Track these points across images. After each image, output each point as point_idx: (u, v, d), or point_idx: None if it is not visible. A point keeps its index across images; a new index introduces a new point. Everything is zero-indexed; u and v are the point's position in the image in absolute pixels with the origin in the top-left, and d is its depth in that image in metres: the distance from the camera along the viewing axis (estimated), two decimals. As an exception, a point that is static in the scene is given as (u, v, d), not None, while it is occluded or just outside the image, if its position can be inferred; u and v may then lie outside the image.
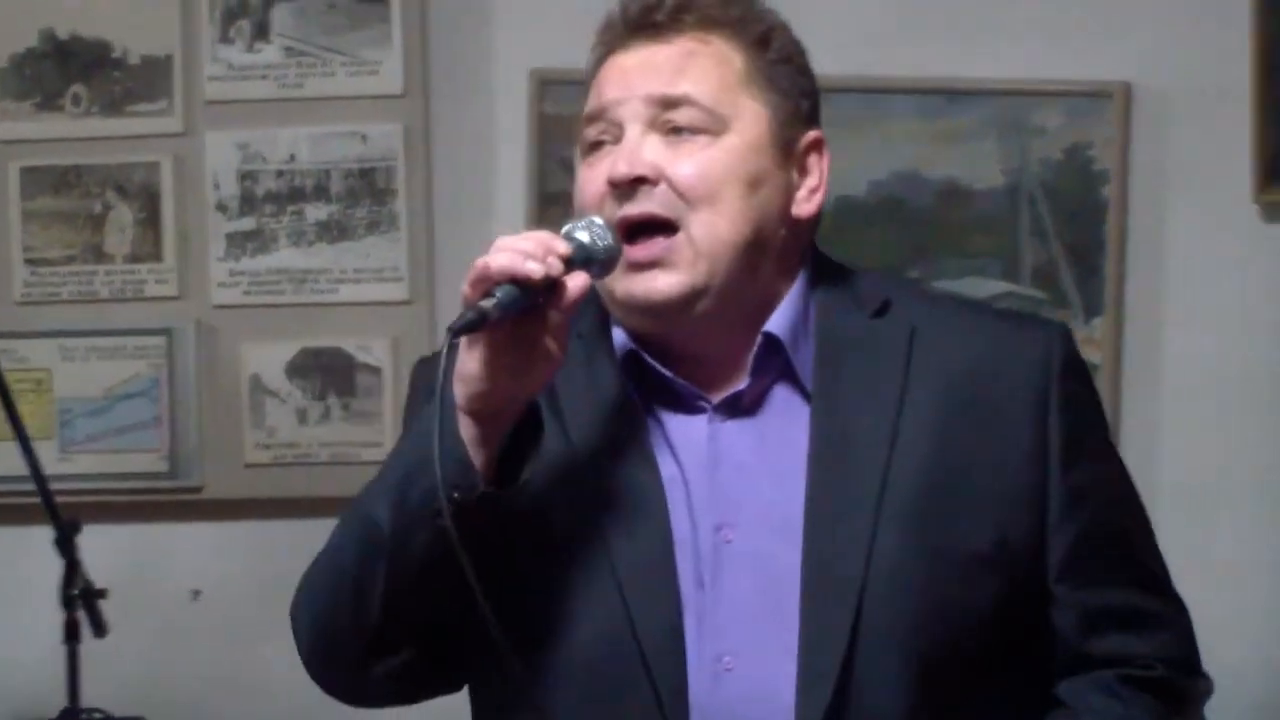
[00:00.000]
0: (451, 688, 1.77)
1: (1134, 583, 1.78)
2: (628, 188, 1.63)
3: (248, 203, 3.02)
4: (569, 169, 2.91)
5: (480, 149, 3.10)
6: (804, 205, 1.70)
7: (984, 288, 2.92)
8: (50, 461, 2.82)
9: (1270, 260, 2.93)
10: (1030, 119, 2.87)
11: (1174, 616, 1.81)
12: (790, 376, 1.70)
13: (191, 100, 3.01)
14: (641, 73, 1.69)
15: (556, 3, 2.97)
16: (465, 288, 1.54)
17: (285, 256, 3.02)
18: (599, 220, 1.61)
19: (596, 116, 1.68)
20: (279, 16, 3.00)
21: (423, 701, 1.74)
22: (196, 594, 3.15)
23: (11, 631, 3.06)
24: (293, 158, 3.01)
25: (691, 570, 1.67)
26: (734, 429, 1.70)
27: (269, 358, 3.05)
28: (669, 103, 1.65)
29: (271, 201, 3.02)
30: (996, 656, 1.76)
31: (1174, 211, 2.99)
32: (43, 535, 2.82)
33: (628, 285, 1.64)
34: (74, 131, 3.02)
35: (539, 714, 1.66)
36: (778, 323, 1.69)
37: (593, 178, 1.65)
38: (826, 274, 1.77)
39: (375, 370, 3.07)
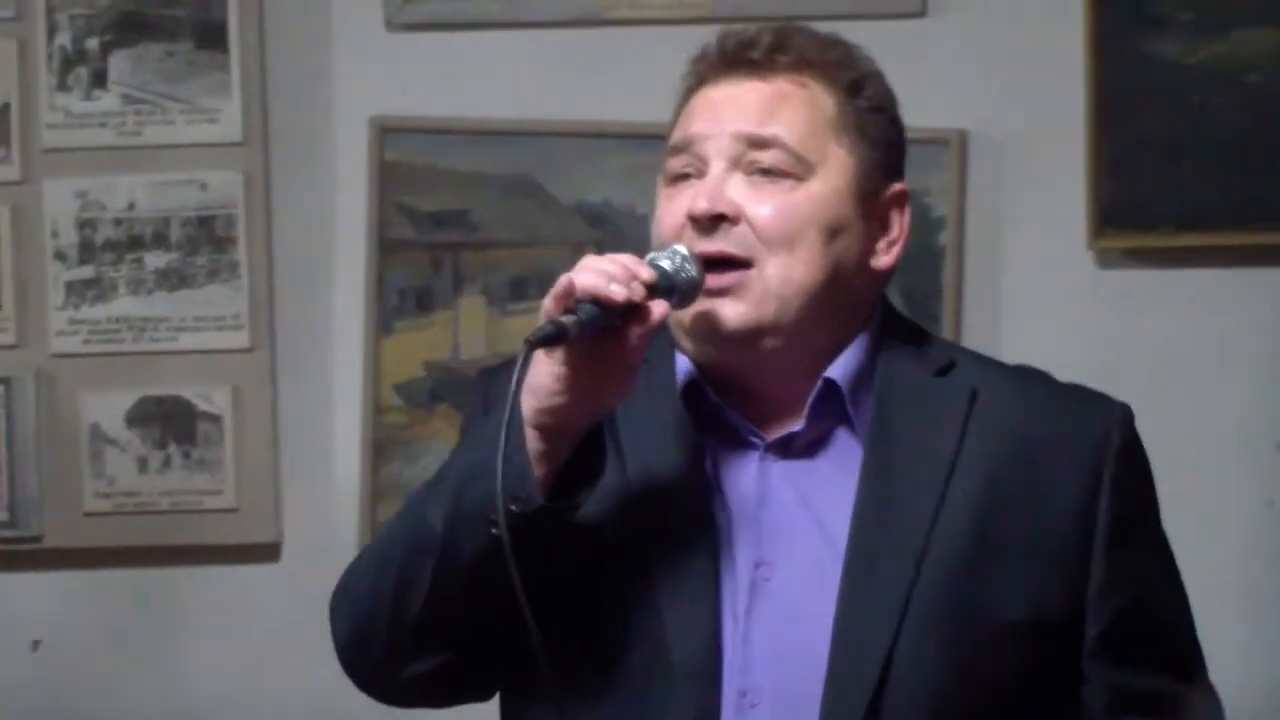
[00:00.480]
0: (483, 696, 1.79)
1: (1168, 669, 1.82)
2: (708, 224, 1.66)
3: (87, 251, 3.02)
4: (410, 215, 3.02)
5: (321, 196, 3.11)
6: (882, 257, 1.73)
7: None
8: (-111, 511, 2.87)
9: (1105, 306, 2.99)
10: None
11: (1204, 705, 1.86)
12: (847, 423, 1.74)
13: (29, 148, 3.01)
14: (732, 109, 1.72)
15: (395, 51, 3.03)
16: (548, 301, 1.57)
17: (125, 305, 3.02)
18: (684, 250, 1.64)
19: (682, 148, 1.71)
20: (117, 64, 3.01)
21: (453, 706, 1.79)
22: (36, 644, 3.09)
23: None
24: (132, 205, 3.03)
25: (729, 605, 1.71)
26: (784, 469, 1.74)
27: (109, 406, 3.05)
28: (757, 143, 1.68)
29: (111, 250, 3.03)
30: (1015, 712, 1.81)
31: (1010, 258, 3.03)
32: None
33: (698, 309, 1.68)
34: (-87, 178, 3.04)
35: None
36: (840, 369, 1.72)
37: (673, 210, 1.69)
38: (895, 328, 1.80)
39: (216, 419, 3.08)
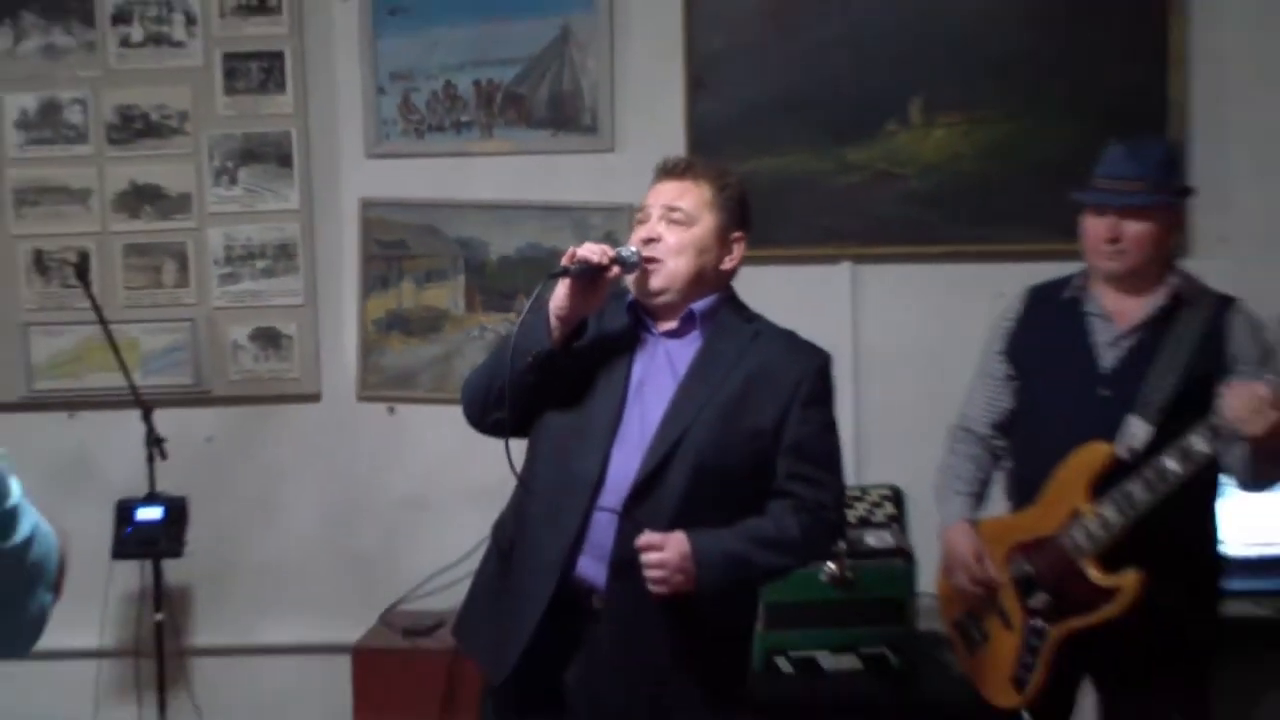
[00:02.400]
0: (523, 435, 2.88)
1: (817, 464, 2.84)
2: (649, 241, 2.81)
3: (230, 260, 4.60)
4: (379, 243, 4.59)
5: (337, 234, 4.65)
6: (726, 264, 2.86)
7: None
8: None
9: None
10: (590, 220, 4.49)
11: (833, 487, 2.89)
12: (699, 332, 2.84)
13: (203, 213, 4.63)
14: (664, 193, 2.85)
15: (371, 165, 4.60)
16: (564, 257, 2.74)
17: (247, 285, 4.60)
18: (634, 249, 2.80)
19: (643, 208, 2.87)
20: (244, 173, 4.62)
21: (510, 438, 2.77)
22: (209, 439, 4.68)
23: None
24: (249, 239, 4.61)
25: (634, 391, 2.81)
26: (666, 343, 2.85)
27: (241, 332, 4.66)
28: (672, 208, 2.82)
29: (243, 260, 4.60)
30: (742, 481, 2.82)
31: None
32: None
33: (638, 280, 2.81)
34: None
35: (538, 455, 2.89)
36: (698, 307, 2.82)
37: (638, 232, 2.84)
38: (733, 301, 2.89)
39: (290, 338, 4.64)
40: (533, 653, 2.74)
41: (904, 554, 4.07)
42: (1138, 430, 3.16)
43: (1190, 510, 3.22)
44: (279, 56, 4.57)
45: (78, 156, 4.63)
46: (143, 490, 4.40)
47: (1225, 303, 3.29)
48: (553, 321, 2.71)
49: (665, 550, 2.65)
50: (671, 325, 2.83)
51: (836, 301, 4.55)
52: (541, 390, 2.76)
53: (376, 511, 4.72)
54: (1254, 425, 2.94)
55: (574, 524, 2.72)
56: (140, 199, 4.64)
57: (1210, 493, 3.28)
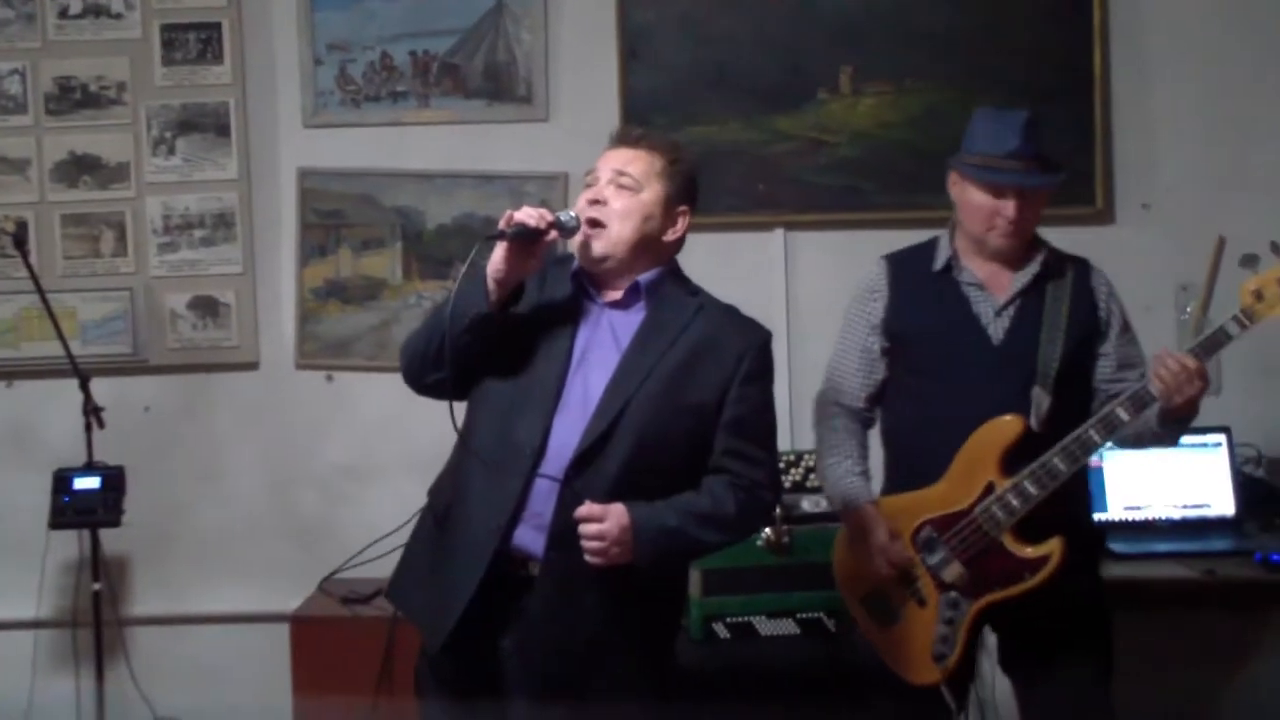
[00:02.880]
0: (460, 397, 2.83)
1: (754, 442, 2.86)
2: (595, 203, 2.83)
3: (169, 230, 4.61)
4: (316, 212, 4.62)
5: (275, 203, 4.69)
6: (669, 235, 2.87)
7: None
8: None
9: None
10: (525, 189, 4.53)
11: (768, 466, 2.92)
12: (643, 304, 2.85)
13: (140, 184, 4.64)
14: (614, 159, 2.87)
15: (309, 135, 4.64)
16: (501, 220, 2.71)
17: (186, 254, 4.61)
18: (573, 213, 2.81)
19: (592, 172, 2.88)
20: (182, 143, 4.62)
21: (446, 400, 2.75)
22: (147, 409, 4.69)
23: None
24: (187, 209, 4.62)
25: (575, 362, 2.80)
26: (610, 313, 2.86)
27: (180, 300, 4.65)
28: (621, 173, 2.83)
29: (181, 229, 4.62)
30: (681, 454, 2.85)
31: None
32: None
33: (581, 246, 2.82)
34: None
35: (479, 420, 2.85)
36: (643, 279, 2.84)
37: (584, 194, 2.85)
38: (676, 273, 2.92)
39: (228, 305, 4.67)
40: (468, 619, 2.75)
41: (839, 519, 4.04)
42: (1040, 400, 3.19)
43: (1076, 475, 3.28)
44: (217, 27, 4.61)
45: (16, 127, 4.66)
46: (80, 460, 4.42)
47: (1084, 266, 3.36)
48: (489, 285, 2.73)
49: (605, 522, 2.69)
50: (616, 295, 2.85)
51: (770, 269, 4.62)
52: (481, 354, 2.77)
53: (315, 480, 4.76)
54: (1182, 395, 3.04)
55: (514, 492, 2.73)
56: (79, 169, 4.66)
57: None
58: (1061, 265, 3.34)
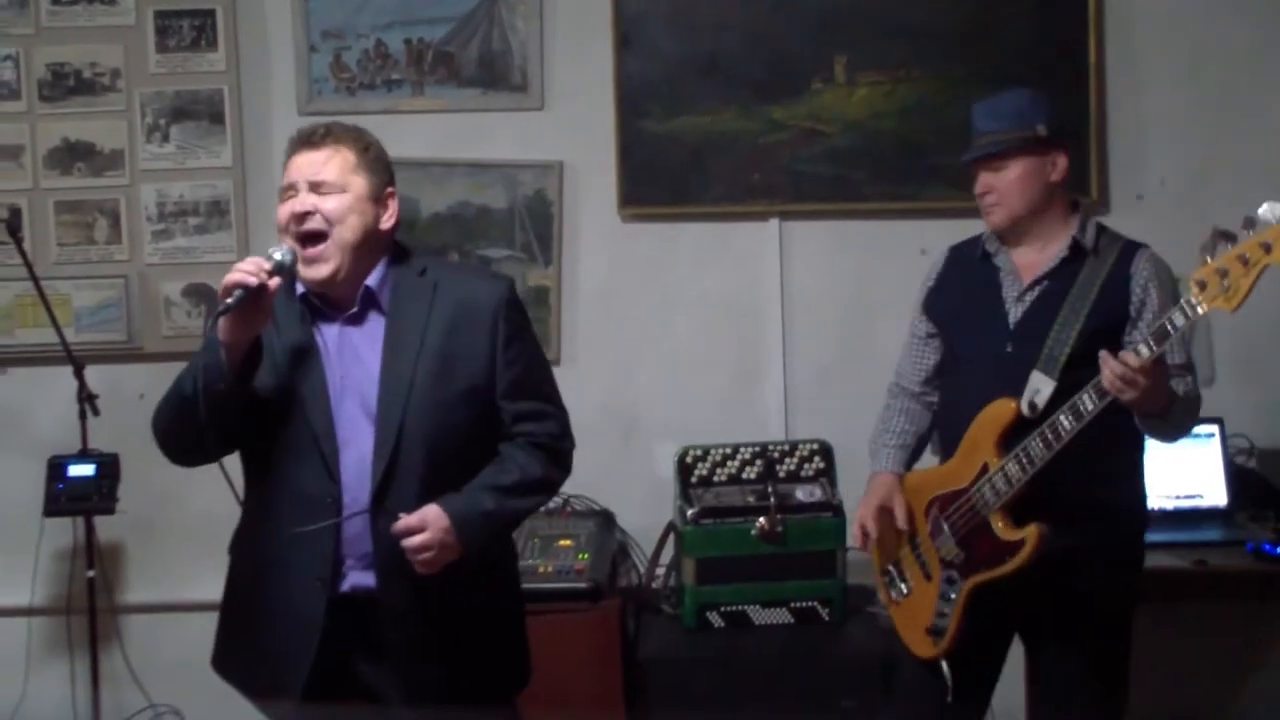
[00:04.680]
0: (228, 452, 2.80)
1: (538, 398, 2.90)
2: (303, 216, 2.74)
3: (163, 216, 4.60)
4: None
5: (267, 193, 4.26)
6: (385, 223, 2.82)
7: (500, 253, 4.56)
8: None
9: (630, 250, 4.62)
10: (519, 177, 4.58)
11: (558, 416, 2.94)
12: (379, 307, 2.80)
13: (135, 172, 4.63)
14: (305, 166, 2.78)
15: (301, 123, 3.94)
16: (219, 290, 2.61)
17: (179, 241, 4.61)
18: (286, 246, 2.71)
19: (288, 185, 2.80)
20: (176, 131, 4.62)
21: (208, 464, 2.74)
22: (141, 396, 4.19)
23: None
24: (181, 196, 4.61)
25: (333, 389, 2.74)
26: (351, 331, 2.79)
27: (173, 288, 4.64)
28: (316, 183, 2.76)
29: (175, 216, 4.62)
30: (472, 439, 2.84)
31: (585, 222, 4.63)
32: None
33: (305, 272, 2.75)
34: None
35: (266, 477, 2.80)
36: (372, 280, 2.78)
37: (283, 210, 2.76)
38: (398, 255, 2.83)
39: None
40: (317, 665, 2.75)
41: (833, 508, 4.12)
42: (1041, 385, 3.19)
43: (1111, 464, 3.25)
44: (211, 14, 4.61)
45: (10, 113, 4.65)
46: (75, 447, 4.41)
47: (1132, 249, 3.32)
48: (226, 351, 2.65)
49: (427, 531, 2.68)
50: (353, 310, 2.81)
51: (764, 259, 4.64)
52: (239, 419, 2.72)
53: (307, 467, 4.64)
54: (1127, 394, 2.99)
55: (328, 541, 2.72)
56: (72, 156, 4.66)
57: (1134, 447, 3.33)
58: (1106, 247, 3.31)
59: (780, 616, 4.05)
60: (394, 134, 4.24)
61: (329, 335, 2.79)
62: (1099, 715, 3.30)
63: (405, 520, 2.68)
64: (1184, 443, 4.05)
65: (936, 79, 4.57)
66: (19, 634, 4.68)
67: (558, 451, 2.89)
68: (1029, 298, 3.31)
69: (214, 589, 4.53)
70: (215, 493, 4.42)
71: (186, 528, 4.71)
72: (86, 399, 4.32)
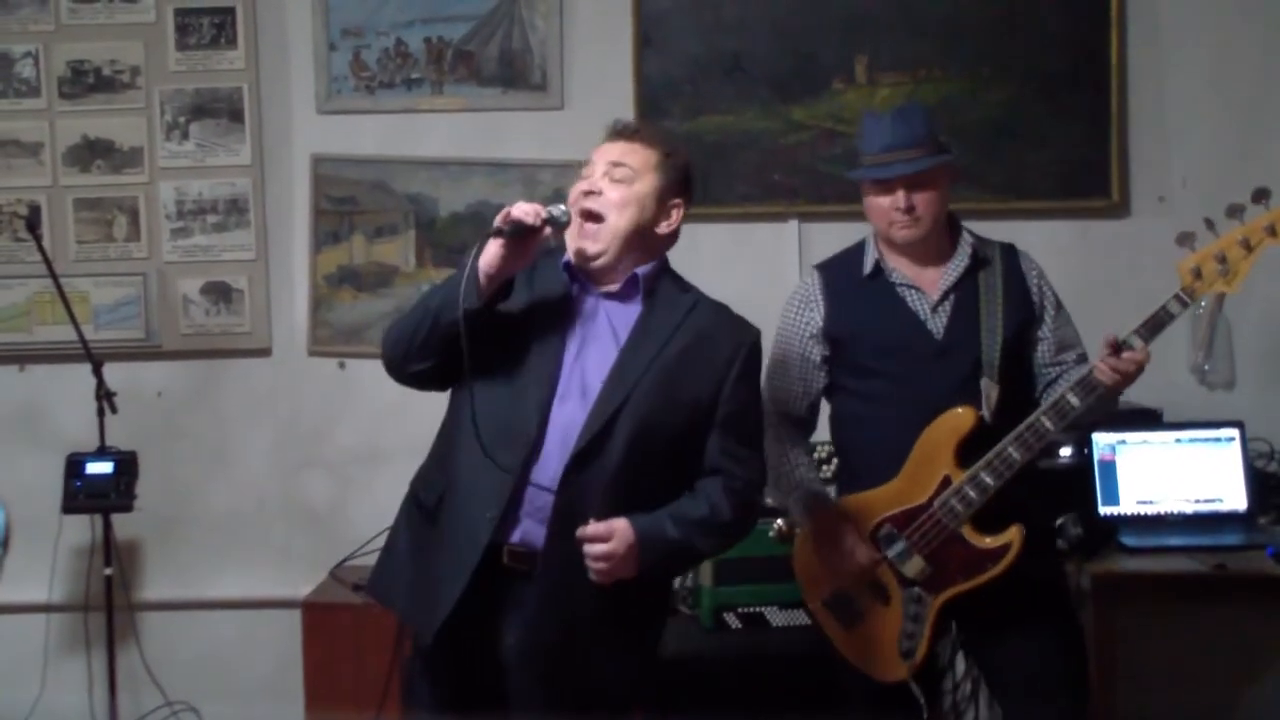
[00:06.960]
0: (443, 387, 2.88)
1: (745, 444, 2.90)
2: (590, 194, 2.84)
3: (182, 214, 4.59)
4: (329, 198, 4.62)
5: (289, 190, 4.69)
6: (663, 228, 2.89)
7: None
8: None
9: None
10: (539, 177, 4.55)
11: (759, 463, 2.95)
12: (640, 296, 2.86)
13: (154, 169, 4.63)
14: (610, 151, 2.89)
15: (322, 121, 4.66)
16: (498, 218, 2.71)
17: (199, 239, 4.61)
18: (565, 206, 2.81)
19: (588, 164, 2.90)
20: (195, 129, 4.60)
21: (429, 391, 2.87)
22: (160, 394, 4.69)
23: None
24: (200, 194, 4.61)
25: (569, 355, 2.81)
26: (608, 305, 2.88)
27: (193, 286, 4.66)
28: (616, 164, 2.86)
29: (194, 214, 4.61)
30: (677, 453, 2.85)
31: None
32: None
33: (574, 242, 2.84)
34: None
35: (467, 430, 2.77)
36: (642, 272, 2.86)
37: (579, 185, 2.87)
38: (670, 271, 2.95)
39: (240, 291, 4.66)
40: (462, 610, 2.74)
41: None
42: (990, 391, 3.20)
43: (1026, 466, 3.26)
44: (230, 12, 4.62)
45: (29, 110, 4.66)
46: (93, 444, 4.42)
47: (1012, 252, 3.39)
48: (481, 280, 2.71)
49: (612, 541, 2.70)
50: (614, 287, 2.86)
51: (784, 259, 4.61)
52: (470, 348, 2.72)
53: (326, 466, 4.76)
54: (1124, 386, 3.09)
55: (511, 482, 2.73)
56: (92, 153, 4.66)
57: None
58: (989, 253, 3.35)
59: (798, 618, 3.98)
60: (413, 133, 4.59)
61: (583, 300, 2.87)
62: (1072, 695, 3.31)
63: (594, 527, 2.69)
64: (1204, 446, 4.25)
65: (957, 80, 4.57)
66: (38, 630, 4.68)
67: (750, 503, 2.90)
68: (944, 309, 3.32)
69: (231, 586, 4.78)
70: (232, 491, 4.77)
71: (204, 525, 4.75)
72: (105, 396, 4.32)
